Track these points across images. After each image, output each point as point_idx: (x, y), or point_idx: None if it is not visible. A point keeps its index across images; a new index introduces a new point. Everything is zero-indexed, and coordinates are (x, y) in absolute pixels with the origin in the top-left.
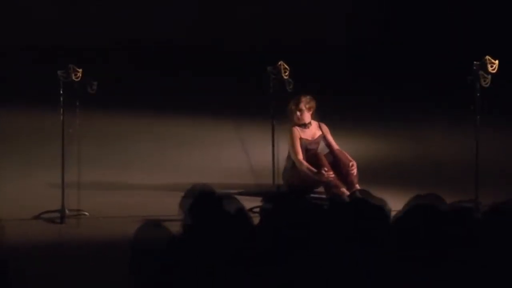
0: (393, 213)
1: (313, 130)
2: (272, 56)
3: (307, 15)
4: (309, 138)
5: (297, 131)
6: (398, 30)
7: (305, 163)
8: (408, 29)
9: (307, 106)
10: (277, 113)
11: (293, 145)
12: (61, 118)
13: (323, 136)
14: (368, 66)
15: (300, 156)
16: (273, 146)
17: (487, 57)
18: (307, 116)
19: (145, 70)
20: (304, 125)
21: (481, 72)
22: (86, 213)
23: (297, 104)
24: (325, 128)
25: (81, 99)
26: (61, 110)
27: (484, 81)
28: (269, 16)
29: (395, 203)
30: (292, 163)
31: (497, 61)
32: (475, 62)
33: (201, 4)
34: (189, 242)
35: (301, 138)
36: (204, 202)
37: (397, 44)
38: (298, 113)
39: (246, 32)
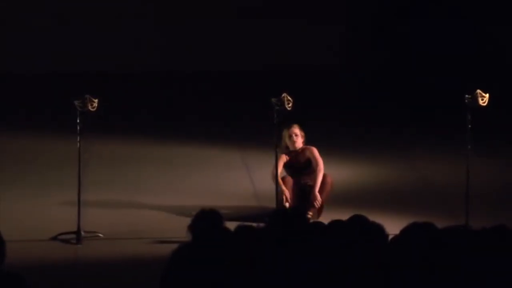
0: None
1: (302, 156)
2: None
3: (301, 40)
4: (294, 162)
5: (284, 157)
6: (391, 56)
7: (278, 179)
8: (402, 55)
9: (300, 133)
10: (280, 140)
11: (275, 165)
12: (78, 145)
13: (311, 156)
14: (363, 92)
15: (275, 171)
16: (276, 171)
17: (478, 90)
18: (299, 142)
19: (155, 96)
20: (295, 152)
21: (478, 91)
22: (101, 235)
23: (290, 130)
24: (311, 150)
25: (97, 125)
26: (78, 137)
27: (482, 99)
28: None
29: (391, 228)
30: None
31: (487, 95)
32: (466, 96)
33: (206, 30)
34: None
35: (286, 163)
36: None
37: (391, 70)
38: (293, 138)
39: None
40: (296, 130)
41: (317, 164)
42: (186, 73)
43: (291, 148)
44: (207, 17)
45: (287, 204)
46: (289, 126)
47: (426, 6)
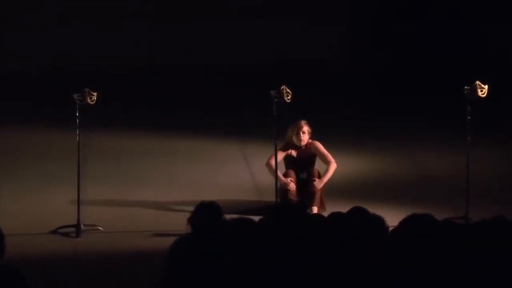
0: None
1: (306, 152)
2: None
3: (303, 35)
4: (296, 157)
5: (286, 149)
6: (391, 56)
7: (273, 167)
8: (402, 55)
9: (307, 129)
10: (280, 133)
11: (273, 154)
12: (77, 138)
13: (317, 152)
14: (362, 87)
15: (272, 161)
16: (276, 165)
17: (477, 82)
18: (305, 140)
19: (156, 91)
20: (299, 147)
21: (478, 83)
22: (101, 228)
23: (299, 127)
24: (315, 145)
25: (96, 120)
26: (77, 130)
27: (481, 91)
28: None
29: (391, 220)
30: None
31: (486, 86)
32: (465, 87)
33: (206, 30)
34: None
35: (288, 155)
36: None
37: (391, 70)
38: (300, 135)
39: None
40: (305, 127)
41: (327, 159)
42: (186, 71)
43: (297, 144)
44: (207, 17)
45: (292, 197)
46: (297, 122)
47: (426, 6)
